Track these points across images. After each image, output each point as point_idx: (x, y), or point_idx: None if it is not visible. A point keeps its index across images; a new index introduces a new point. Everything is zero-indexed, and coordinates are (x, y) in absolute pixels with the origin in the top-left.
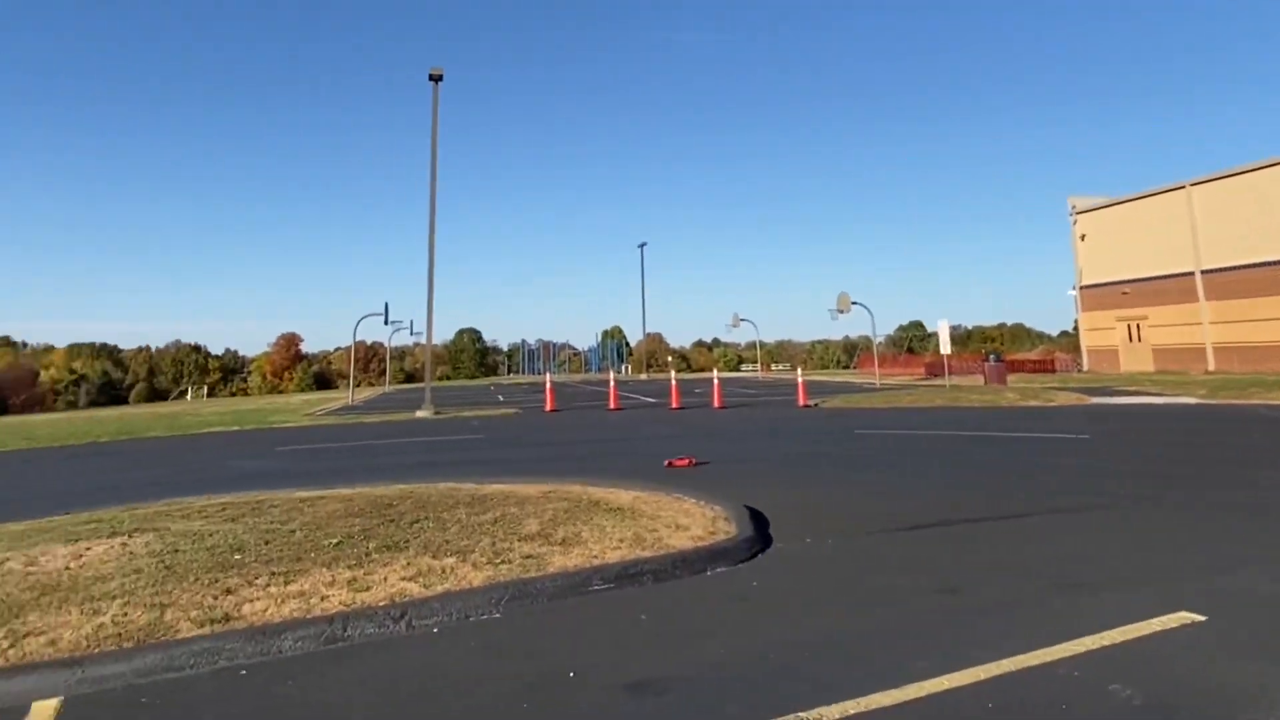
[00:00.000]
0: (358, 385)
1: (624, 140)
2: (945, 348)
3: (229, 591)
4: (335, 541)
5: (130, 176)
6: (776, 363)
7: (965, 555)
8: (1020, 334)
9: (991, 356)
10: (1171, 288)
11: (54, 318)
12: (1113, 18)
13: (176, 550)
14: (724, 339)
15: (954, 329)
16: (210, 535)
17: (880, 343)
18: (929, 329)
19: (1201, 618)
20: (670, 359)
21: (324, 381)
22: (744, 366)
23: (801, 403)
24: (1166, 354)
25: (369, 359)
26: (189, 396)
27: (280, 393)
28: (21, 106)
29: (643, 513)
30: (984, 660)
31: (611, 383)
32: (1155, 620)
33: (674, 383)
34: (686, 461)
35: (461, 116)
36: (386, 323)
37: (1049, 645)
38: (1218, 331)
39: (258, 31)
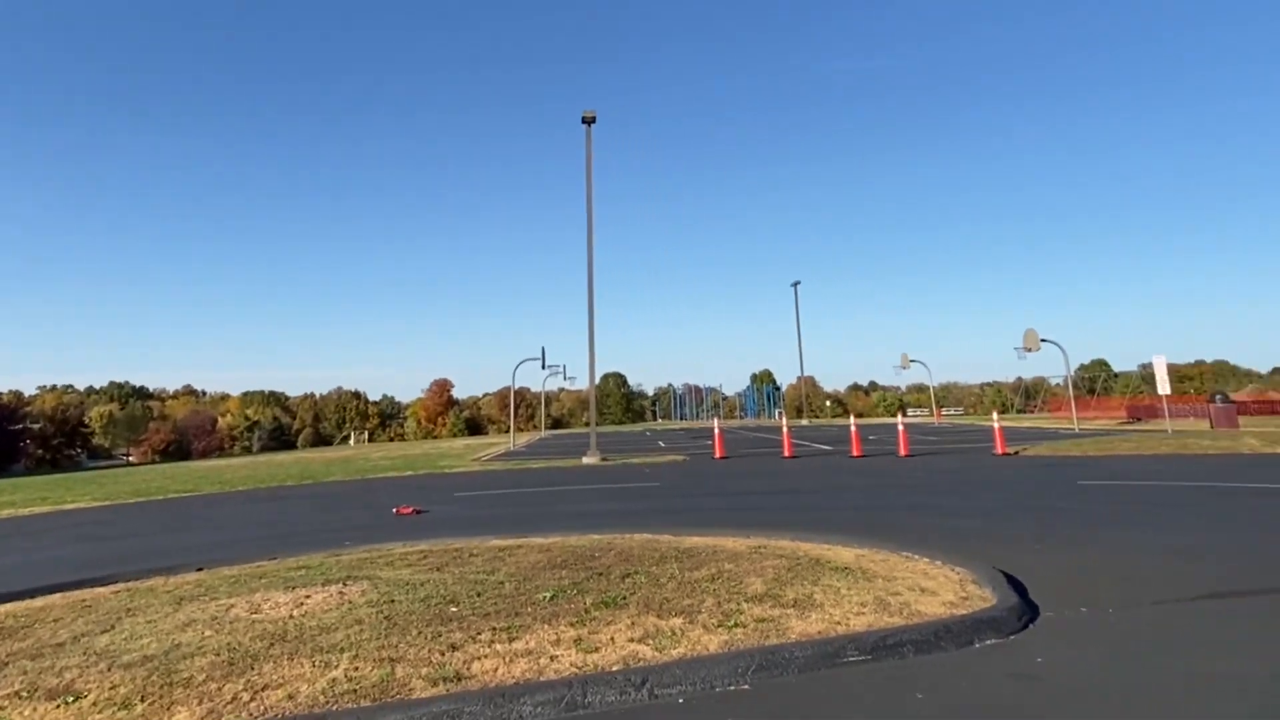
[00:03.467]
0: (509, 430)
1: (775, 179)
2: (1164, 387)
3: (454, 647)
4: (549, 595)
5: (285, 233)
6: (943, 406)
7: None
8: (1224, 372)
9: (1218, 397)
10: None
11: (229, 367)
12: None
13: (392, 600)
14: (881, 382)
15: (1143, 368)
16: (421, 585)
17: (1058, 383)
18: (1115, 369)
19: None
20: (827, 403)
21: (475, 427)
22: (909, 411)
23: (999, 450)
24: None
25: (516, 404)
26: (351, 441)
27: (435, 438)
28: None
29: (875, 573)
30: None
31: (784, 428)
32: None
33: (854, 429)
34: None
35: (607, 154)
36: (544, 367)
37: None
38: None
39: (404, 83)
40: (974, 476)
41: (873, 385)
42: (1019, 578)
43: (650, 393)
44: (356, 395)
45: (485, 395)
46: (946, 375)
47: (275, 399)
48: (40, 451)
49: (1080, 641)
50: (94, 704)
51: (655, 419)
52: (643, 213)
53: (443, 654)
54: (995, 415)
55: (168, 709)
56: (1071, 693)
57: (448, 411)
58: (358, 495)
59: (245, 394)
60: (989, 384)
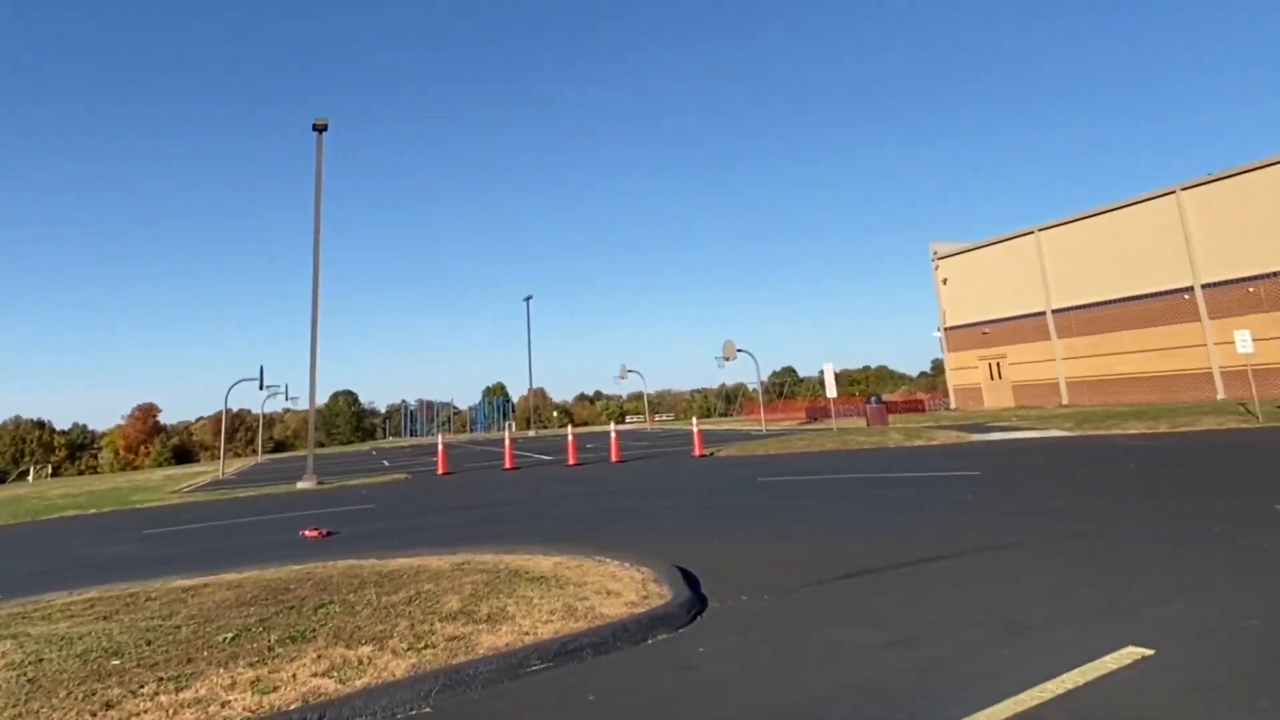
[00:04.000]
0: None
1: (503, 194)
2: (831, 391)
3: (109, 706)
4: (230, 636)
5: None
6: (658, 413)
7: (906, 603)
8: (885, 376)
9: (873, 399)
10: (1026, 327)
11: None
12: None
13: (40, 660)
14: (606, 391)
15: (822, 374)
16: (80, 639)
17: (755, 389)
18: (800, 374)
19: (1150, 651)
20: (555, 414)
21: (184, 455)
22: (629, 418)
23: (698, 453)
24: (1025, 390)
25: (234, 428)
26: (30, 478)
27: (136, 469)
28: None
29: (568, 580)
30: (958, 717)
31: (506, 441)
32: (1109, 658)
33: (571, 438)
34: None
35: (333, 165)
36: (262, 387)
37: (1016, 694)
38: (1069, 367)
39: (123, 81)
40: (672, 479)
41: (597, 394)
42: (695, 572)
43: (383, 410)
44: (40, 425)
45: (199, 420)
46: (662, 383)
47: None
48: None
49: (738, 628)
50: None
51: (386, 437)
52: (374, 225)
53: (94, 714)
54: (695, 421)
55: None
56: (724, 677)
57: (153, 439)
58: (24, 540)
59: None
60: (698, 390)
